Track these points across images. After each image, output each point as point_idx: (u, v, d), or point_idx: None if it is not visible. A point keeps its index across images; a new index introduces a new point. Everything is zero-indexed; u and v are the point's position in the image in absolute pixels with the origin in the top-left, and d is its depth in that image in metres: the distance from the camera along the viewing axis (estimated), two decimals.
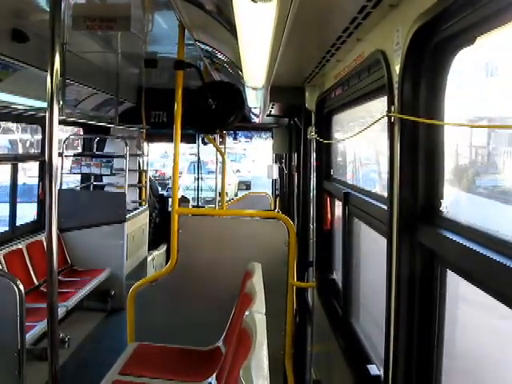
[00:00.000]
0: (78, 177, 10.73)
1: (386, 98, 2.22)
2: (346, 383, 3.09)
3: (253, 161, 32.57)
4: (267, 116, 6.83)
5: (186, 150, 17.66)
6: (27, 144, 27.91)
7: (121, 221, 8.85)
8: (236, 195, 18.83)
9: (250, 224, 5.19)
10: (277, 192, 12.14)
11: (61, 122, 3.71)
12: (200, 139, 12.11)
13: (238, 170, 28.66)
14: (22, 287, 4.45)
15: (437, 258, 1.99)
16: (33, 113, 7.13)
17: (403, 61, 1.98)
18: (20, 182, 8.06)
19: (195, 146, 12.28)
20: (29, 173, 17.75)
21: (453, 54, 1.85)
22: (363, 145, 3.81)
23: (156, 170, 23.61)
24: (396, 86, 2.07)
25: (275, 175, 11.39)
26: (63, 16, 3.08)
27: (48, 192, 2.98)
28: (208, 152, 14.42)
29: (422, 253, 2.05)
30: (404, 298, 2.09)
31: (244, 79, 4.47)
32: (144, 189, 10.97)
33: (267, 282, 3.92)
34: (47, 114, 2.94)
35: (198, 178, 13.33)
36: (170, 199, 11.65)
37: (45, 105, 2.92)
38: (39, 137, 8.50)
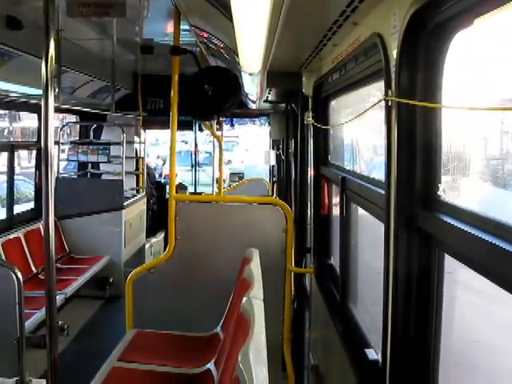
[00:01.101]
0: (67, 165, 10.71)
1: (383, 82, 2.20)
2: (344, 368, 3.10)
3: (246, 150, 28.96)
4: (264, 102, 6.80)
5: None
6: (5, 132, 26.34)
7: (118, 208, 8.85)
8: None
9: (248, 210, 5.18)
10: (274, 178, 12.13)
11: (57, 110, 3.68)
12: (197, 126, 12.10)
13: (229, 161, 24.13)
14: (20, 275, 4.44)
15: (435, 242, 1.99)
16: (28, 100, 7.09)
17: (400, 44, 1.97)
18: None
19: (185, 132, 11.98)
20: None
21: (451, 36, 1.83)
22: (361, 128, 3.79)
23: None
24: (393, 69, 2.06)
25: (272, 161, 11.38)
26: (57, 2, 3.05)
27: (44, 180, 2.96)
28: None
29: (419, 237, 2.04)
30: (402, 282, 2.09)
31: (240, 65, 4.45)
32: (141, 176, 10.96)
33: (265, 267, 3.93)
34: (42, 102, 2.91)
35: (196, 166, 13.35)
36: (167, 186, 11.64)
37: (41, 92, 2.89)
38: (19, 125, 8.42)
